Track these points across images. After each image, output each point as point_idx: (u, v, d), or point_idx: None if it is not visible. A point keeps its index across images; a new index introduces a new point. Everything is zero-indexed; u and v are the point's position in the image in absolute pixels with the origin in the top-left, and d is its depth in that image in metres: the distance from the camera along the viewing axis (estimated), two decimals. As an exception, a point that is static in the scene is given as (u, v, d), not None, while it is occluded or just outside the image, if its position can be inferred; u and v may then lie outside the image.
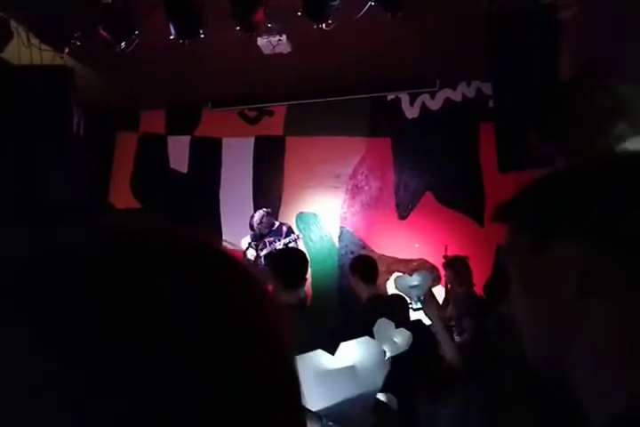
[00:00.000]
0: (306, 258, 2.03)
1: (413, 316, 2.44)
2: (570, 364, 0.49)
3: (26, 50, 3.28)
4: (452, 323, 3.55)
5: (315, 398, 1.25)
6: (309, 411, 1.28)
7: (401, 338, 1.95)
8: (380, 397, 1.41)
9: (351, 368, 1.29)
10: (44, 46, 3.30)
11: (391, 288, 5.11)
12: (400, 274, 2.43)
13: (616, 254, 0.46)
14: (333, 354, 1.35)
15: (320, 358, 1.33)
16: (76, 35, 3.19)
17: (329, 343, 1.78)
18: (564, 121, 0.91)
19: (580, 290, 0.47)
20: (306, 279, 1.98)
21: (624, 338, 0.45)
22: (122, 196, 5.66)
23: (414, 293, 2.14)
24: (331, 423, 1.43)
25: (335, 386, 1.26)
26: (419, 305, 2.12)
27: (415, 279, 2.18)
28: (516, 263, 0.53)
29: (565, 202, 0.50)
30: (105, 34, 3.20)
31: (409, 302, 2.18)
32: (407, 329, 1.85)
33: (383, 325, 1.75)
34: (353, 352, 1.34)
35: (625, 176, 0.48)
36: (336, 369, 1.29)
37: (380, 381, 1.30)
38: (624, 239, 0.45)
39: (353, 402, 1.24)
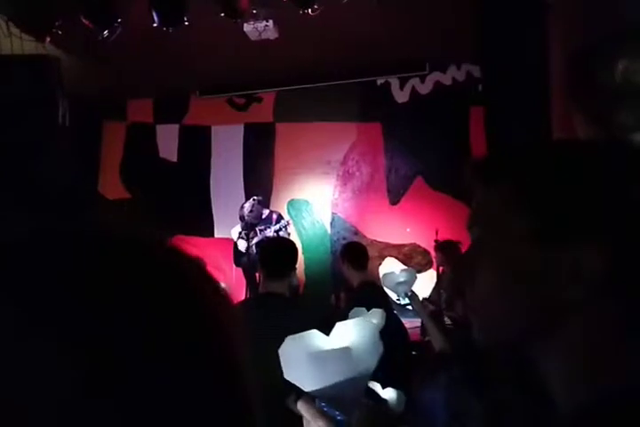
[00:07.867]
0: (294, 247, 2.03)
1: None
2: (542, 357, 0.50)
3: (6, 40, 3.22)
4: (444, 306, 3.59)
5: (308, 378, 1.25)
6: (303, 391, 1.28)
7: (376, 317, 1.99)
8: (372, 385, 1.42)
9: (345, 349, 1.27)
10: (25, 36, 3.24)
11: (383, 273, 5.17)
12: (388, 271, 2.47)
13: (604, 256, 0.45)
14: (328, 335, 1.34)
15: (314, 338, 1.32)
16: (57, 23, 3.13)
17: (321, 331, 1.81)
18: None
19: (567, 291, 0.46)
20: (294, 268, 1.99)
21: (607, 343, 0.46)
22: (111, 186, 5.63)
23: (401, 289, 2.22)
24: (323, 404, 1.44)
25: (329, 367, 1.25)
26: (406, 301, 2.20)
27: (402, 276, 2.24)
28: (498, 244, 0.52)
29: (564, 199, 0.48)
30: (87, 22, 3.15)
31: (396, 297, 2.24)
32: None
33: (356, 314, 1.76)
34: (348, 333, 1.33)
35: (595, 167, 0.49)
36: (330, 350, 1.27)
37: (373, 363, 1.29)
38: (613, 240, 0.45)
39: (346, 383, 1.23)
